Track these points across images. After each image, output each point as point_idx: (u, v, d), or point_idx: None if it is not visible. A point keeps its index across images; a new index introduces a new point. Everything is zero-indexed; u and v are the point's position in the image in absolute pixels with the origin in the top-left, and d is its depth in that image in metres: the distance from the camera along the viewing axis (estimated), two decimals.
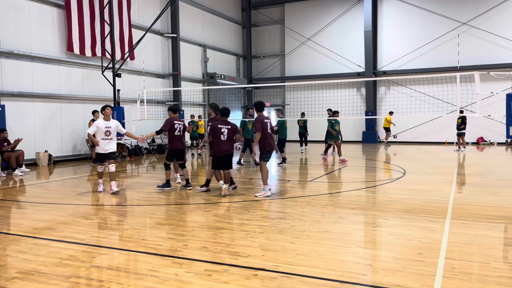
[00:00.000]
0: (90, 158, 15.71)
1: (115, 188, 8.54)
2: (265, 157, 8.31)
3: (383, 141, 21.86)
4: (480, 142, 22.23)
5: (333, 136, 14.33)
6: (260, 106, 8.49)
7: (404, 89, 23.57)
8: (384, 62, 24.59)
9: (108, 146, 8.63)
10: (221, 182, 8.26)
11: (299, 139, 18.25)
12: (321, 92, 21.84)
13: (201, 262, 4.47)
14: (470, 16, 22.35)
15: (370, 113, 23.68)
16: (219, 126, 8.25)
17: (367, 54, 24.33)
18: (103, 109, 8.73)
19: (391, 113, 20.40)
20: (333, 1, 25.71)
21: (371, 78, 23.24)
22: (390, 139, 21.82)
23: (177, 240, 5.31)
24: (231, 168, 8.48)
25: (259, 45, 28.62)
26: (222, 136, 8.19)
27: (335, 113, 14.64)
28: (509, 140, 20.80)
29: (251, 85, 25.50)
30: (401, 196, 8.08)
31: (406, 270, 4.17)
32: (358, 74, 24.82)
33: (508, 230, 5.72)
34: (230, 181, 8.67)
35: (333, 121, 14.24)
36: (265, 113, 8.63)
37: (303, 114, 18.02)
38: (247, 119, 13.14)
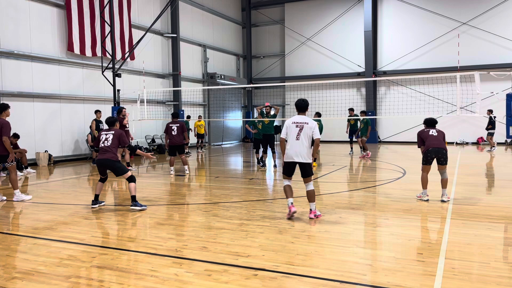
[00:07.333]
0: (90, 158, 15.70)
1: None
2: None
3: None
4: (480, 142, 22.22)
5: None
6: None
7: (404, 89, 23.56)
8: (384, 62, 24.56)
9: None
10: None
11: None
12: (321, 92, 21.83)
13: (201, 262, 4.47)
14: (470, 16, 22.33)
15: (370, 113, 23.65)
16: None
17: (367, 54, 24.30)
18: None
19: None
20: (333, 1, 25.68)
21: (371, 78, 23.22)
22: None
23: (177, 240, 5.31)
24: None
25: (259, 45, 28.60)
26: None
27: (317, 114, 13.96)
28: (509, 140, 20.79)
29: (251, 85, 25.47)
30: (401, 196, 8.08)
31: (406, 270, 4.17)
32: (358, 74, 24.81)
33: (508, 230, 5.72)
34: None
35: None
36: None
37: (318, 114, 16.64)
38: (256, 119, 12.94)
